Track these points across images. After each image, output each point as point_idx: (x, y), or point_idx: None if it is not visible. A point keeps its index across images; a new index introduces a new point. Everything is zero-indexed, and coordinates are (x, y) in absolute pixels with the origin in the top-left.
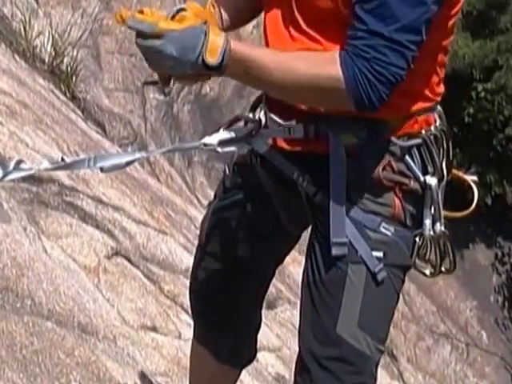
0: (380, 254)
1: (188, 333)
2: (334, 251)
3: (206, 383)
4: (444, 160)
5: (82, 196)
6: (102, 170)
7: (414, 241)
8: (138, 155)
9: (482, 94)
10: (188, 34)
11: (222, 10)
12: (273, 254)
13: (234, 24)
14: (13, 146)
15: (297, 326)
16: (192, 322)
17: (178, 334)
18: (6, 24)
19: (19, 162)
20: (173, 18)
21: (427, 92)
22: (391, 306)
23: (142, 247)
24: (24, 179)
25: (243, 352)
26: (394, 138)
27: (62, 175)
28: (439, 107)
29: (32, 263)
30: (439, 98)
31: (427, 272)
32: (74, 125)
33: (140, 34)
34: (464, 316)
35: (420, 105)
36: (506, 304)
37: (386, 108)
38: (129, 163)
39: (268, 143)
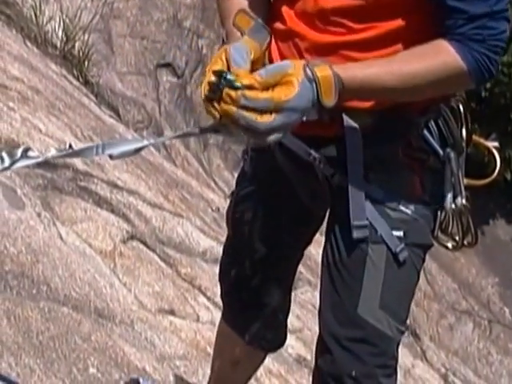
0: (400, 234)
1: (206, 315)
2: (355, 234)
3: (230, 366)
4: (463, 132)
5: (96, 181)
6: (110, 157)
7: (436, 215)
8: (146, 142)
9: (499, 68)
10: (302, 91)
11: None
12: (299, 237)
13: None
14: (26, 132)
15: (317, 308)
16: (210, 305)
17: (196, 316)
18: (16, 10)
19: (27, 149)
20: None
21: None
22: (412, 285)
23: (157, 230)
24: (38, 165)
25: (273, 335)
26: (410, 115)
27: (76, 160)
28: None
29: (47, 249)
30: None
31: (449, 245)
32: (87, 109)
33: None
34: (486, 293)
35: None
36: None
37: None
38: (138, 150)
39: None
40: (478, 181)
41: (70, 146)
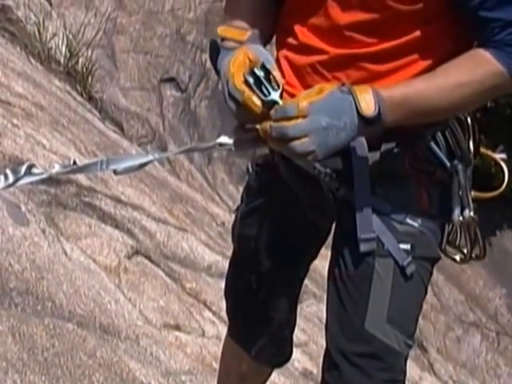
0: (407, 247)
1: (211, 330)
2: (363, 247)
3: (236, 382)
4: (470, 143)
5: (100, 196)
6: (115, 172)
7: (443, 228)
8: (151, 157)
9: None
10: (332, 98)
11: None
12: (306, 251)
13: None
14: (30, 148)
15: (323, 321)
16: (215, 320)
17: (202, 331)
18: (20, 27)
19: (31, 166)
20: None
21: None
22: (420, 299)
23: (162, 245)
24: (42, 181)
25: (279, 350)
26: (417, 127)
27: (79, 176)
28: None
29: (51, 265)
30: None
31: (457, 258)
32: (90, 125)
33: (280, 119)
34: (493, 304)
35: None
36: None
37: None
38: (142, 165)
39: None
40: (486, 193)
41: (75, 162)
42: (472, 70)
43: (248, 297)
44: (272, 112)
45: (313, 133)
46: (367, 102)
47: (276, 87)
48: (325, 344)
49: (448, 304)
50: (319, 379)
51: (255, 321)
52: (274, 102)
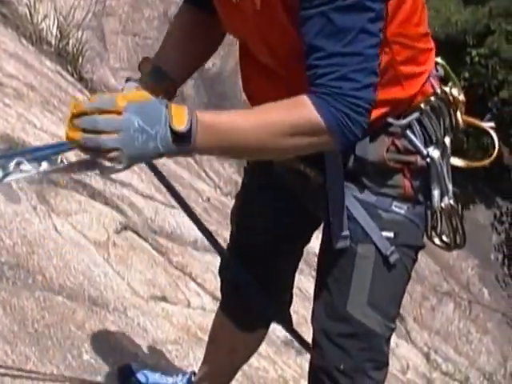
0: (390, 235)
1: (197, 301)
2: (336, 244)
3: (226, 354)
4: (447, 129)
5: (90, 174)
6: (101, 173)
7: (426, 214)
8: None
9: (476, 59)
10: (149, 105)
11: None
12: (302, 236)
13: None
14: (21, 127)
15: (304, 291)
16: (200, 291)
17: (187, 302)
18: (12, 9)
19: (19, 163)
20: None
21: (416, 71)
22: (402, 285)
23: (150, 221)
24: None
25: (278, 310)
26: (391, 119)
27: (70, 154)
28: (439, 71)
29: (42, 240)
30: (430, 67)
31: (439, 243)
32: None
33: (98, 112)
34: (466, 274)
35: (411, 89)
36: (506, 262)
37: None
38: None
39: None
40: (478, 162)
41: (62, 161)
42: (288, 111)
43: (245, 280)
44: (86, 102)
45: (123, 131)
46: (180, 118)
47: None
48: (305, 314)
49: (424, 274)
50: (299, 347)
51: (254, 293)
52: None
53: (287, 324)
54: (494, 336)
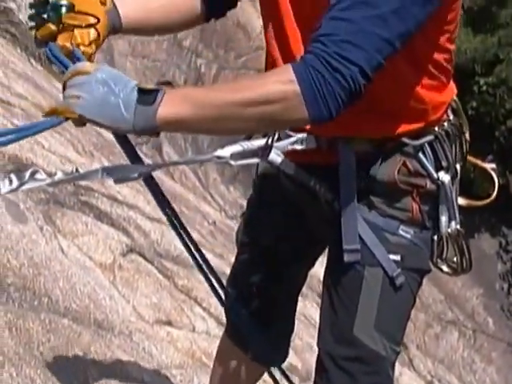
0: (397, 258)
1: (202, 326)
2: (346, 258)
3: (231, 379)
4: (457, 156)
5: (97, 195)
6: (115, 181)
7: (432, 239)
8: (151, 167)
9: (484, 88)
10: (119, 73)
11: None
12: (306, 259)
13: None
14: (29, 147)
15: (308, 318)
16: (205, 315)
17: (192, 327)
18: (21, 29)
19: (34, 172)
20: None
21: (437, 98)
22: (408, 308)
23: (156, 244)
24: None
25: (277, 353)
26: (405, 139)
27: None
28: (454, 99)
29: (48, 262)
30: (449, 99)
31: (445, 269)
32: (88, 126)
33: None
34: (471, 303)
35: (430, 116)
36: (511, 291)
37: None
38: (142, 175)
39: (282, 155)
40: (478, 201)
41: (77, 170)
42: (267, 76)
43: (249, 300)
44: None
45: (86, 82)
46: (148, 85)
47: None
48: (310, 341)
49: (428, 303)
50: (303, 374)
51: (255, 323)
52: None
53: (281, 370)
54: (499, 366)
